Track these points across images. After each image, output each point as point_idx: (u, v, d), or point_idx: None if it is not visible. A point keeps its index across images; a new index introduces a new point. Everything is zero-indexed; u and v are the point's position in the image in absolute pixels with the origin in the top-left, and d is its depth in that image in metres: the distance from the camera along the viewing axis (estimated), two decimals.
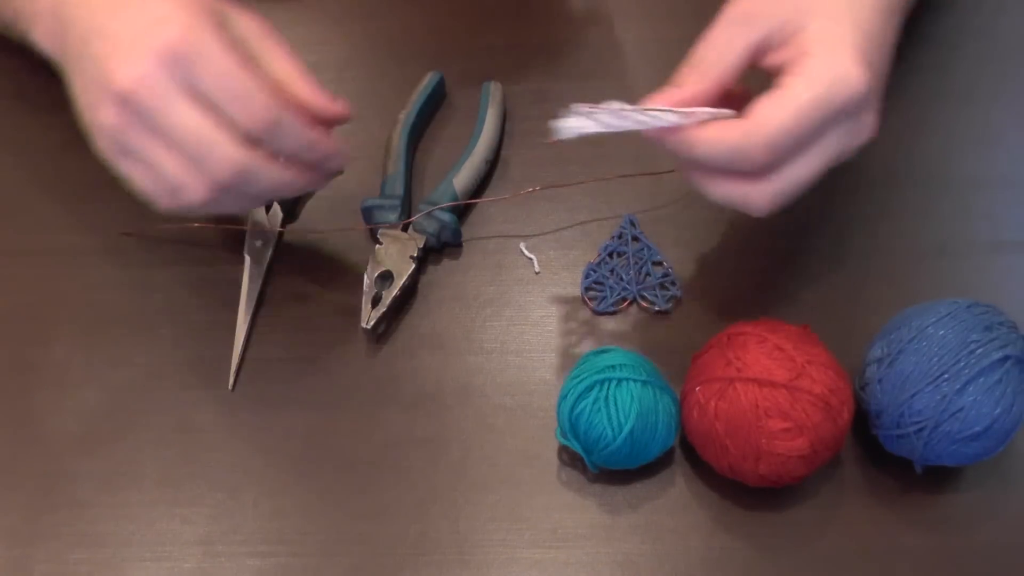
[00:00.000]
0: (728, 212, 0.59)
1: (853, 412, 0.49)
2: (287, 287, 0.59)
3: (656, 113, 0.46)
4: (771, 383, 0.47)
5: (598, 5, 0.69)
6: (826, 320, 0.53)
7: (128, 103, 0.45)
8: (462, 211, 0.60)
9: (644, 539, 0.51)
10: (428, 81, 0.63)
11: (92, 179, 0.62)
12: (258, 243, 0.59)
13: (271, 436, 0.54)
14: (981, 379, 0.46)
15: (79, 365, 0.57)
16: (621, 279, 0.58)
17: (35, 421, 0.55)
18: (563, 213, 0.61)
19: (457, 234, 0.59)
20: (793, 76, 0.45)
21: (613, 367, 0.49)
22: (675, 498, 0.52)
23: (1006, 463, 0.52)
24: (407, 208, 0.59)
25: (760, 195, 0.46)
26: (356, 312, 0.56)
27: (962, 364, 0.47)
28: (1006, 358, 0.47)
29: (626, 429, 0.48)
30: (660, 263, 0.58)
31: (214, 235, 0.59)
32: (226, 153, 0.45)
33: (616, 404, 0.49)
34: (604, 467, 0.51)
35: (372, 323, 0.55)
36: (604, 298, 0.57)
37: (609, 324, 0.57)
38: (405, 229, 0.58)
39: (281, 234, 0.60)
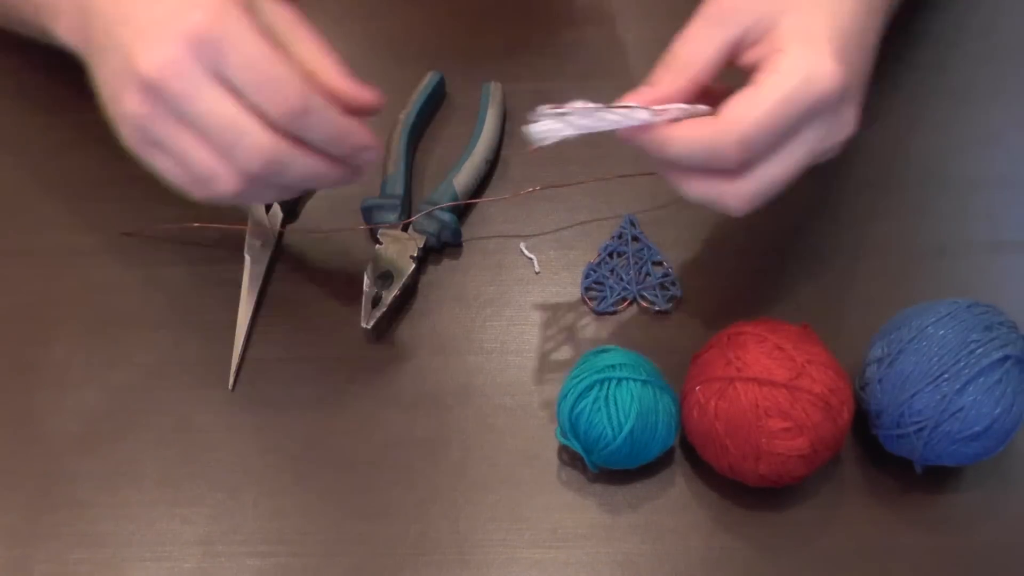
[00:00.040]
0: None
1: (853, 412, 0.49)
2: (287, 287, 0.59)
3: (627, 111, 0.45)
4: (771, 383, 0.47)
5: (598, 4, 0.69)
6: (826, 320, 0.53)
7: (153, 90, 0.43)
8: (462, 211, 0.60)
9: (644, 539, 0.51)
10: (428, 81, 0.63)
11: (92, 178, 0.62)
12: (258, 243, 0.59)
13: (271, 436, 0.54)
14: (981, 379, 0.46)
15: (79, 365, 0.57)
16: (621, 279, 0.58)
17: (35, 421, 0.55)
18: (563, 213, 0.61)
19: (457, 234, 0.59)
20: (766, 73, 0.44)
21: (613, 367, 0.50)
22: (675, 498, 0.52)
23: (1006, 463, 0.52)
24: (407, 208, 0.59)
25: (736, 194, 0.46)
26: (356, 312, 0.56)
27: (962, 364, 0.47)
28: (1006, 358, 0.47)
29: (626, 429, 0.48)
30: (660, 263, 0.58)
31: (214, 235, 0.59)
32: (256, 142, 0.43)
33: (616, 404, 0.49)
34: (604, 467, 0.51)
35: (372, 323, 0.55)
36: (604, 298, 0.57)
37: (609, 324, 0.57)
38: (405, 229, 0.58)
39: (281, 234, 0.60)
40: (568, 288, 0.58)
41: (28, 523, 0.53)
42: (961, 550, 0.51)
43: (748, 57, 0.46)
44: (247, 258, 0.59)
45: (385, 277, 0.56)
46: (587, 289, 0.58)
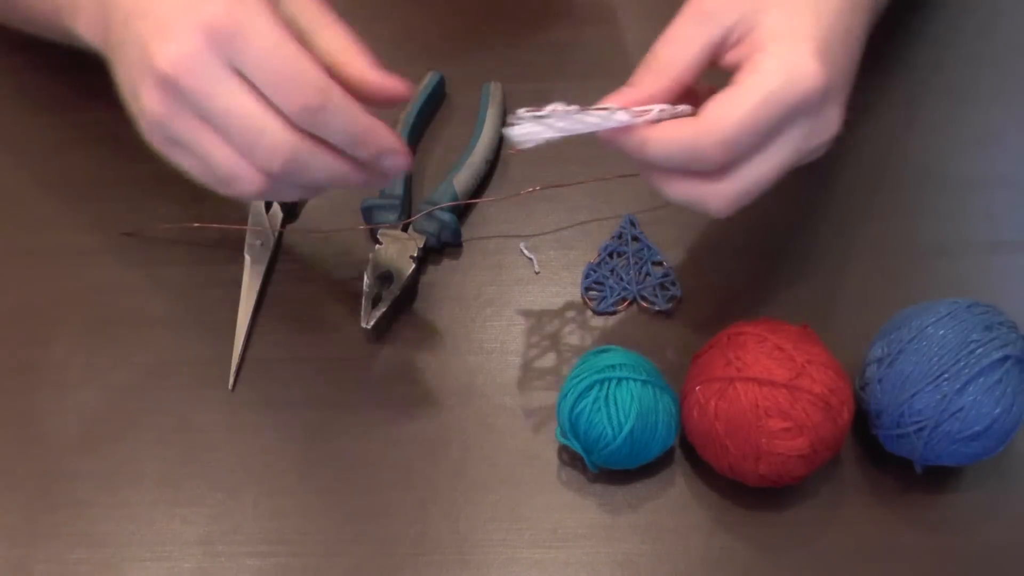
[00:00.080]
0: None
1: (853, 412, 0.49)
2: (287, 287, 0.59)
3: (606, 113, 0.44)
4: (771, 383, 0.47)
5: (598, 4, 0.69)
6: (826, 320, 0.53)
7: (171, 86, 0.42)
8: (462, 211, 0.60)
9: (644, 539, 0.51)
10: (428, 81, 0.63)
11: (93, 178, 0.62)
12: (258, 243, 0.59)
13: (271, 436, 0.54)
14: (981, 379, 0.46)
15: (79, 365, 0.57)
16: (621, 279, 0.58)
17: (35, 421, 0.55)
18: (563, 213, 0.61)
19: (457, 234, 0.59)
20: (747, 73, 0.44)
21: (613, 367, 0.50)
22: (675, 498, 0.52)
23: (1006, 463, 0.52)
24: (407, 208, 0.59)
25: (718, 195, 0.45)
26: (356, 312, 0.56)
27: (962, 364, 0.47)
28: (1006, 358, 0.47)
29: (626, 429, 0.48)
30: (660, 263, 0.58)
31: (214, 235, 0.59)
32: (275, 140, 0.42)
33: (616, 404, 0.49)
34: (604, 467, 0.51)
35: (372, 323, 0.55)
36: (604, 298, 0.57)
37: (609, 324, 0.57)
38: (405, 229, 0.58)
39: (281, 234, 0.60)
40: (568, 288, 0.58)
41: (28, 523, 0.52)
42: (961, 550, 0.51)
43: (730, 57, 0.46)
44: (247, 258, 0.59)
45: (385, 277, 0.56)
46: (587, 289, 0.58)
